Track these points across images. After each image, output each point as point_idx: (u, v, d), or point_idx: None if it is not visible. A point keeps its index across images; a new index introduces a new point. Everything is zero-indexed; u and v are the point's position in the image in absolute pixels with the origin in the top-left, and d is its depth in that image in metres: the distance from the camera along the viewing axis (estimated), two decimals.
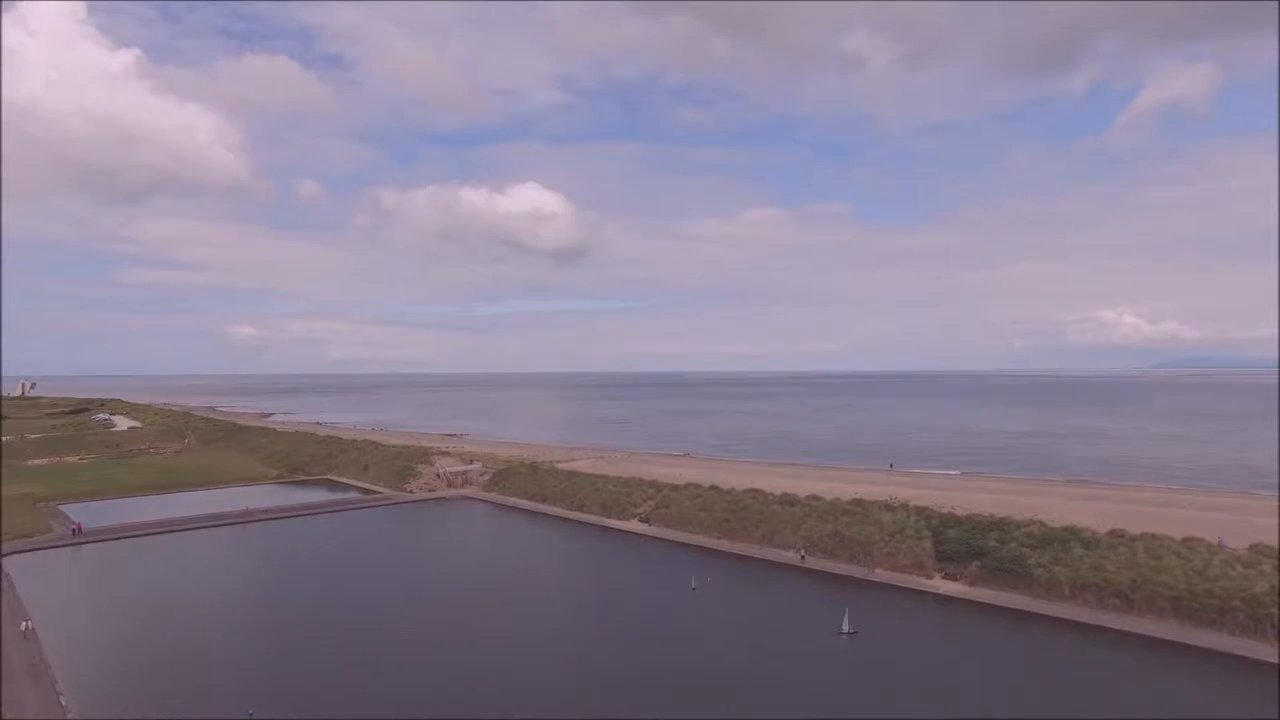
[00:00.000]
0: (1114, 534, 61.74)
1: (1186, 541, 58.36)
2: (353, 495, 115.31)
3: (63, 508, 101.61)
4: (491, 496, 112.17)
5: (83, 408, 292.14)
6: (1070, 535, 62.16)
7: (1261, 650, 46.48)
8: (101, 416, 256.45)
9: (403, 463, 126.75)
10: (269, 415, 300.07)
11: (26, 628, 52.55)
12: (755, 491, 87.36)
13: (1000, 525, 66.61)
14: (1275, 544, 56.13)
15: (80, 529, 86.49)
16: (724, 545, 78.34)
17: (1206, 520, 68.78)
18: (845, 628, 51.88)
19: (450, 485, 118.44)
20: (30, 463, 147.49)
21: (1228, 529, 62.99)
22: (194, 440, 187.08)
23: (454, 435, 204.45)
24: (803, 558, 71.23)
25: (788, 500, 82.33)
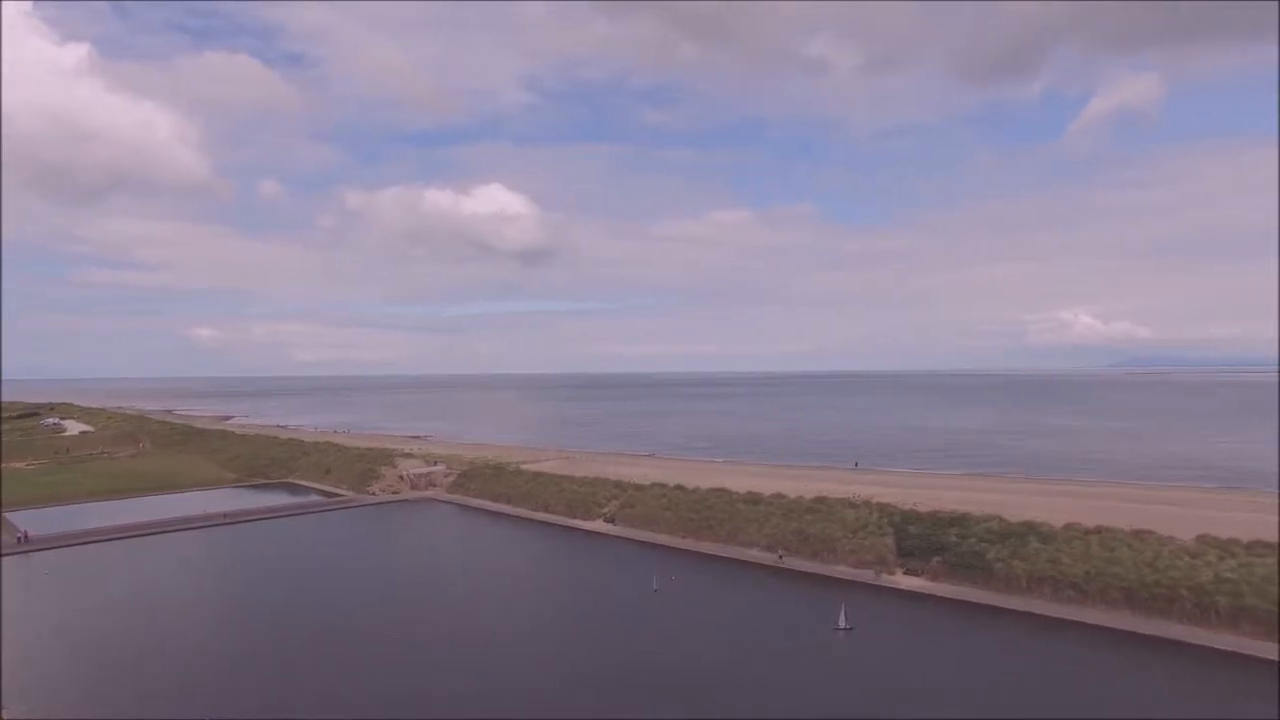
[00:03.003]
0: (1069, 528, 63.14)
1: (1137, 534, 59.88)
2: (314, 498, 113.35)
3: (9, 515, 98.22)
4: (455, 498, 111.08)
5: (31, 412, 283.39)
6: (1028, 530, 63.38)
7: (1207, 637, 47.89)
8: (51, 421, 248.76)
9: (365, 465, 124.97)
10: (228, 418, 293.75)
11: None
12: (720, 490, 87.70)
13: (960, 521, 67.68)
14: (1220, 535, 57.98)
15: (28, 536, 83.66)
16: (689, 544, 78.51)
17: (1156, 513, 70.66)
18: (842, 623, 52.16)
19: (414, 487, 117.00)
20: None
21: (1177, 521, 64.78)
22: (149, 444, 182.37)
23: (419, 437, 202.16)
24: (780, 558, 71.14)
25: (752, 499, 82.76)
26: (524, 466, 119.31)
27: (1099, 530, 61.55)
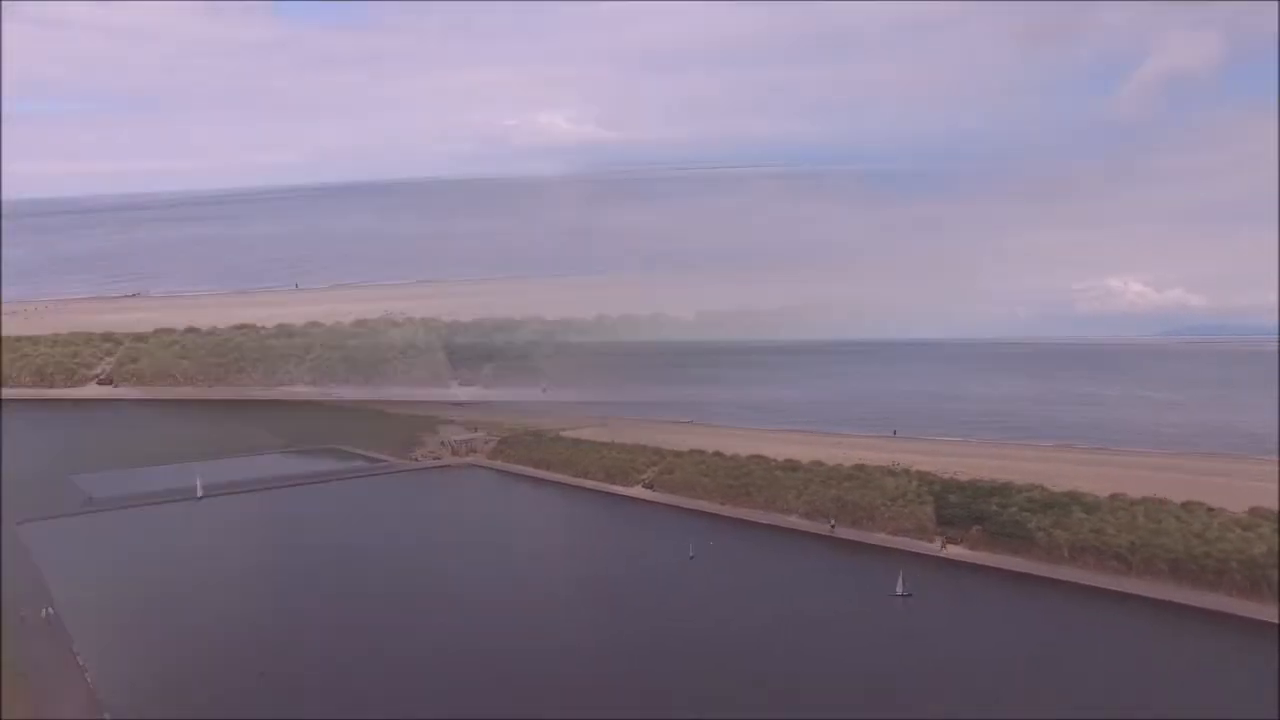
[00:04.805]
0: (1115, 498, 62.31)
1: (1186, 505, 58.89)
2: (359, 464, 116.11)
3: (74, 477, 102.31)
4: (496, 464, 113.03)
5: None
6: (1071, 499, 62.77)
7: (1258, 610, 47.28)
8: None
9: (409, 431, 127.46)
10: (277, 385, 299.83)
11: (48, 614, 50.44)
12: (758, 458, 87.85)
13: (1001, 490, 67.26)
14: (1273, 507, 56.72)
15: (92, 499, 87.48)
16: (728, 510, 79.18)
17: (1203, 484, 69.17)
18: (900, 590, 52.72)
19: (455, 453, 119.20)
20: None
21: (1225, 492, 63.44)
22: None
23: (460, 404, 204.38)
24: (832, 526, 71.01)
25: (790, 466, 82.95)
26: (564, 433, 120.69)
27: (1145, 501, 60.66)
